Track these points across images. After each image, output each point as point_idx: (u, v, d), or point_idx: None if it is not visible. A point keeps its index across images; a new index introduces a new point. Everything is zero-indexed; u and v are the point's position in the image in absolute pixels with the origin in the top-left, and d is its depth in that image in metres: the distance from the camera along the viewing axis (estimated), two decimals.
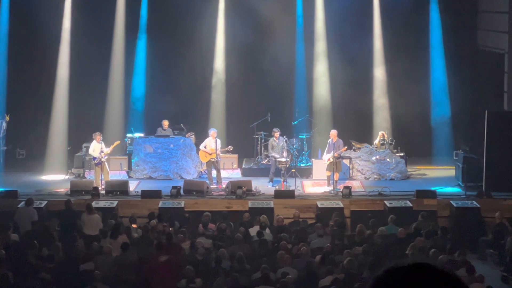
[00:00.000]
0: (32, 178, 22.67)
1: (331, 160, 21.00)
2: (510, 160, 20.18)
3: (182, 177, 22.26)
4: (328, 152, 21.25)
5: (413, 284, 2.55)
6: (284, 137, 22.17)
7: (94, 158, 21.21)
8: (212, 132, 21.76)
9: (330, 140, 21.38)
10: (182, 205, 19.25)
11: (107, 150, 21.25)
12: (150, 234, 16.62)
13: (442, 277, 2.57)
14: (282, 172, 21.31)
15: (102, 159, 21.06)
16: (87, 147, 22.23)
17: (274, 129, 22.14)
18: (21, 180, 22.28)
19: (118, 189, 20.40)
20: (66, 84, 24.55)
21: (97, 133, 21.56)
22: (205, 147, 21.58)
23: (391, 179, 22.36)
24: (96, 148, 21.19)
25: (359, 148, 22.88)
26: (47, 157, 23.89)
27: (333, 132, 21.47)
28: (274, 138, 22.04)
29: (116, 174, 22.58)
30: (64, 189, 20.93)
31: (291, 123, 24.07)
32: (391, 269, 2.61)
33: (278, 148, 21.88)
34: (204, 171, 22.48)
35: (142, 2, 25.03)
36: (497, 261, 17.16)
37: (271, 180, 21.70)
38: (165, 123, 23.29)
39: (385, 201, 19.35)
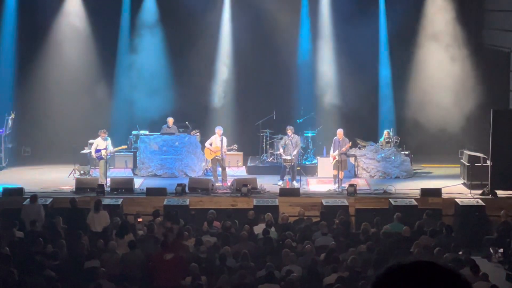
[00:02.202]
0: (37, 176, 22.68)
1: (337, 158, 20.97)
2: None
3: (187, 175, 22.27)
4: (334, 150, 21.22)
5: (416, 282, 2.54)
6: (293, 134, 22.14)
7: (97, 151, 21.21)
8: (218, 130, 21.75)
9: (336, 138, 21.34)
10: (187, 203, 19.24)
11: (113, 149, 21.28)
12: (155, 232, 16.62)
13: (446, 276, 2.56)
14: (287, 170, 21.31)
15: (103, 156, 21.08)
16: (92, 144, 22.25)
17: (287, 127, 21.84)
18: (26, 178, 22.28)
19: (123, 186, 20.42)
20: (72, 81, 24.58)
21: (102, 130, 21.58)
22: (210, 145, 21.59)
23: (396, 177, 22.34)
24: (100, 144, 21.20)
25: (364, 146, 22.87)
26: (52, 155, 23.90)
27: (340, 131, 21.42)
28: (288, 135, 21.83)
29: (121, 172, 22.59)
30: (69, 186, 20.93)
31: (296, 121, 24.02)
32: (394, 267, 2.60)
33: (290, 145, 21.79)
34: (209, 169, 22.49)
35: None
36: (501, 259, 17.13)
37: (282, 178, 21.61)
38: (170, 120, 23.29)
39: (390, 199, 19.34)
